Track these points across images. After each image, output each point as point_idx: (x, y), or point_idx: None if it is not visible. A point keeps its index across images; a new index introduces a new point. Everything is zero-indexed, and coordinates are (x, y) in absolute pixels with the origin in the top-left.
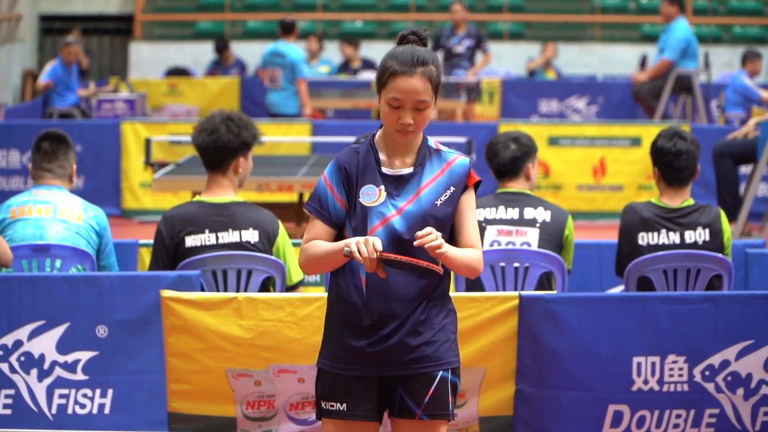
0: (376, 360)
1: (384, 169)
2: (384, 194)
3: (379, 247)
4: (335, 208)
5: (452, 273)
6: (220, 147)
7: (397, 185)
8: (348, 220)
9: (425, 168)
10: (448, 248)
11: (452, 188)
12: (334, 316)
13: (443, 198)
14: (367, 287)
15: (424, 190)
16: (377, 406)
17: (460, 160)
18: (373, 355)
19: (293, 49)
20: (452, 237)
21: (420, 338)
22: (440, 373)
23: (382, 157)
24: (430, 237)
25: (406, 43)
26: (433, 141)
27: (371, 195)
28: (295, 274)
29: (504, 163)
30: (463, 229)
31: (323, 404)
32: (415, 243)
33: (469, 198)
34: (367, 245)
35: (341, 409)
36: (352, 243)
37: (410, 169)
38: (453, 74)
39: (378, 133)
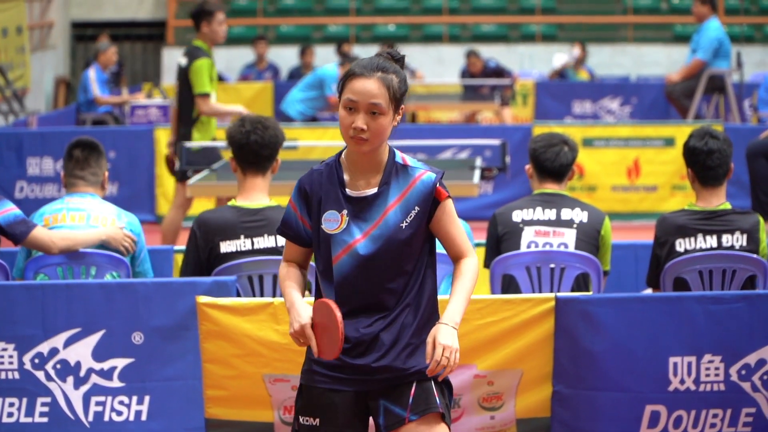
0: (350, 373)
1: (348, 191)
2: (346, 219)
3: (309, 338)
4: (302, 229)
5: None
6: (266, 144)
7: (361, 207)
8: (314, 244)
9: (391, 187)
10: (454, 334)
11: (417, 208)
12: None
13: (408, 220)
14: (338, 290)
15: (389, 211)
16: (356, 420)
17: (425, 176)
18: (345, 369)
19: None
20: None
21: (389, 354)
22: (414, 380)
23: (345, 177)
24: (445, 367)
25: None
26: (401, 155)
27: (333, 221)
28: None
29: (561, 165)
30: (447, 241)
31: (300, 419)
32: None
33: (442, 210)
34: (297, 340)
35: (314, 424)
36: (291, 329)
37: (374, 190)
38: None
39: (344, 152)
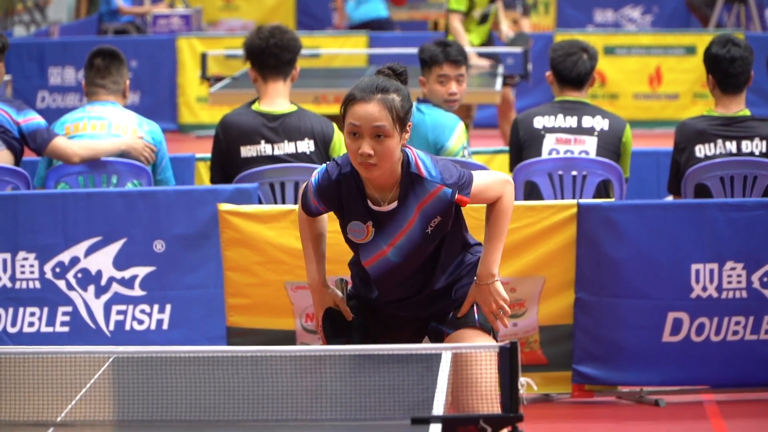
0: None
1: (370, 205)
2: (372, 230)
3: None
4: (321, 211)
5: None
6: (286, 47)
7: (384, 220)
8: (344, 234)
9: (408, 200)
10: (494, 290)
11: (439, 217)
12: (354, 273)
13: (432, 227)
14: (377, 285)
15: (412, 225)
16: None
17: (441, 192)
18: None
19: None
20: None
21: (433, 304)
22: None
23: (366, 189)
24: (501, 315)
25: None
26: (415, 162)
27: (359, 232)
28: None
29: (579, 74)
30: (481, 203)
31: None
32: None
33: (471, 201)
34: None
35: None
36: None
37: (394, 205)
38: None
39: None
